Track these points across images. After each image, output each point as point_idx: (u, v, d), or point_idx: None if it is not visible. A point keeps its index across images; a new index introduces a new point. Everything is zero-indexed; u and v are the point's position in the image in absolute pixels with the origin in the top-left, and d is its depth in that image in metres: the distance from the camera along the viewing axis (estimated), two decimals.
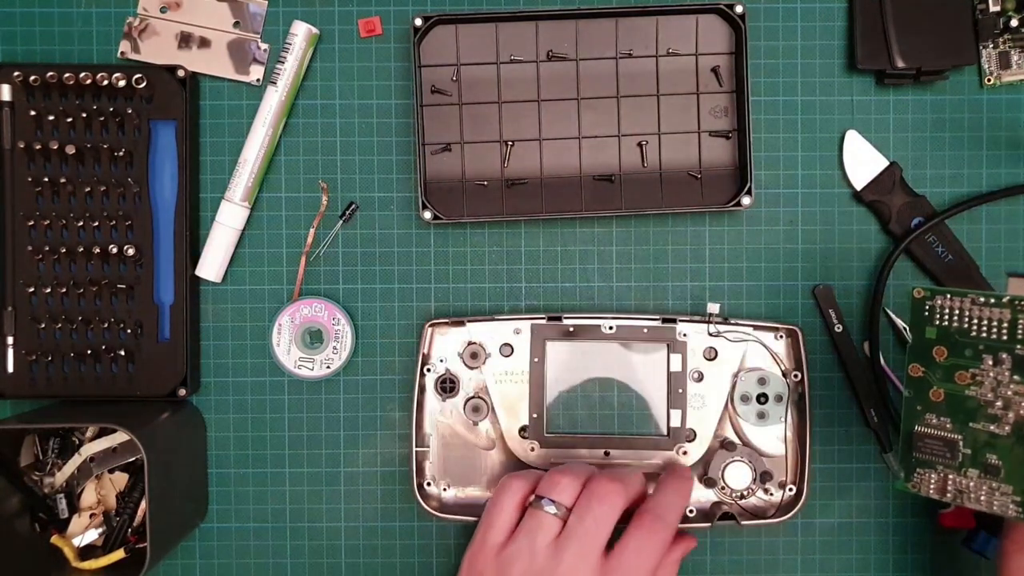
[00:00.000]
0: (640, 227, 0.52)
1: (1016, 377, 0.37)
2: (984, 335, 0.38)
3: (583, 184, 0.50)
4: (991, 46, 0.50)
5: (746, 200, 0.49)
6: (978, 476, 0.38)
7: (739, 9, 0.49)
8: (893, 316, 0.51)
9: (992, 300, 0.37)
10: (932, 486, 0.40)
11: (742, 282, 0.51)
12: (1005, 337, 0.37)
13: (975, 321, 0.38)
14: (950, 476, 0.39)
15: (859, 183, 0.51)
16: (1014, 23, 0.50)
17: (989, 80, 0.51)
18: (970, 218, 0.51)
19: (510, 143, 0.50)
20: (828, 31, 0.51)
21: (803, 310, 0.51)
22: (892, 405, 0.50)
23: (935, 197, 0.51)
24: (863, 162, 0.51)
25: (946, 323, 0.39)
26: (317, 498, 0.52)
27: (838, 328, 0.51)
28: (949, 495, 0.39)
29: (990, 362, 0.38)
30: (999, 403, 0.37)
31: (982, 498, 0.38)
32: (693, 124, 0.50)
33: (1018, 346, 0.37)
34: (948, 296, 0.39)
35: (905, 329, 0.50)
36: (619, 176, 0.50)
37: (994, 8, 0.50)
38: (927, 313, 0.40)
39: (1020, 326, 0.37)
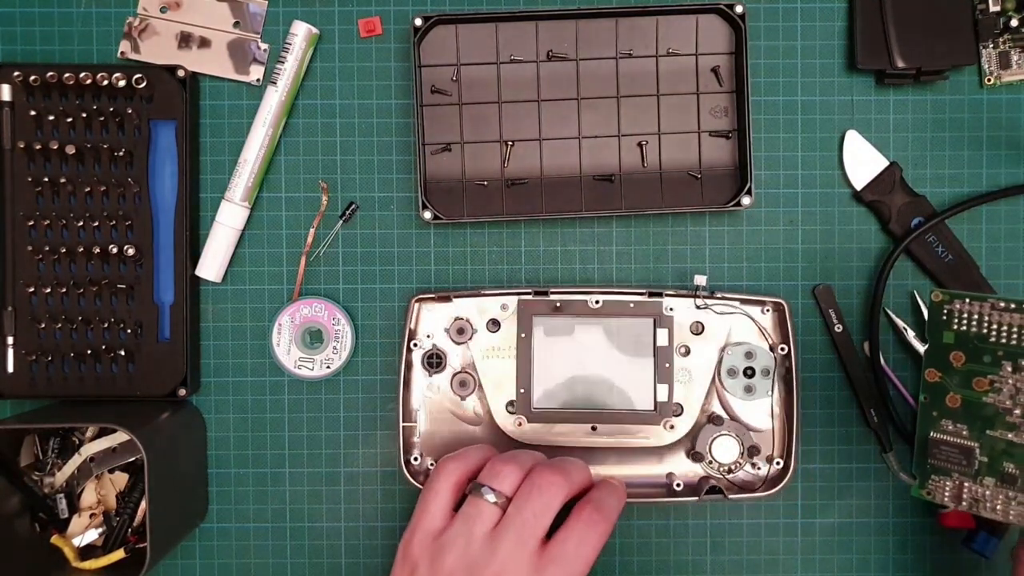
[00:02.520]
0: (640, 227, 0.52)
1: None
2: (1004, 341, 0.37)
3: (583, 184, 0.50)
4: (991, 46, 0.51)
5: (746, 200, 0.49)
6: (995, 485, 0.38)
7: (739, 9, 0.49)
8: (893, 316, 0.51)
9: (1013, 306, 0.36)
10: (947, 493, 0.39)
11: (742, 282, 0.51)
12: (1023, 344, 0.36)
13: (995, 327, 0.37)
14: (966, 484, 0.39)
15: (859, 183, 0.51)
16: (1014, 23, 0.50)
17: (989, 80, 0.51)
18: (970, 218, 0.51)
19: (510, 143, 0.50)
20: (828, 31, 0.51)
21: (803, 310, 0.51)
22: (892, 405, 0.50)
23: (935, 197, 0.51)
24: (863, 162, 0.51)
25: (964, 328, 0.38)
26: (317, 498, 0.52)
27: (838, 328, 0.51)
28: (964, 503, 0.39)
29: (1009, 368, 0.37)
30: (1018, 411, 0.37)
31: (998, 507, 0.38)
32: (693, 124, 0.50)
33: None
34: (967, 300, 0.38)
35: (905, 329, 0.50)
36: (619, 176, 0.50)
37: (994, 8, 0.50)
38: (945, 317, 0.39)
39: None
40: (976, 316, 0.38)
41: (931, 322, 0.39)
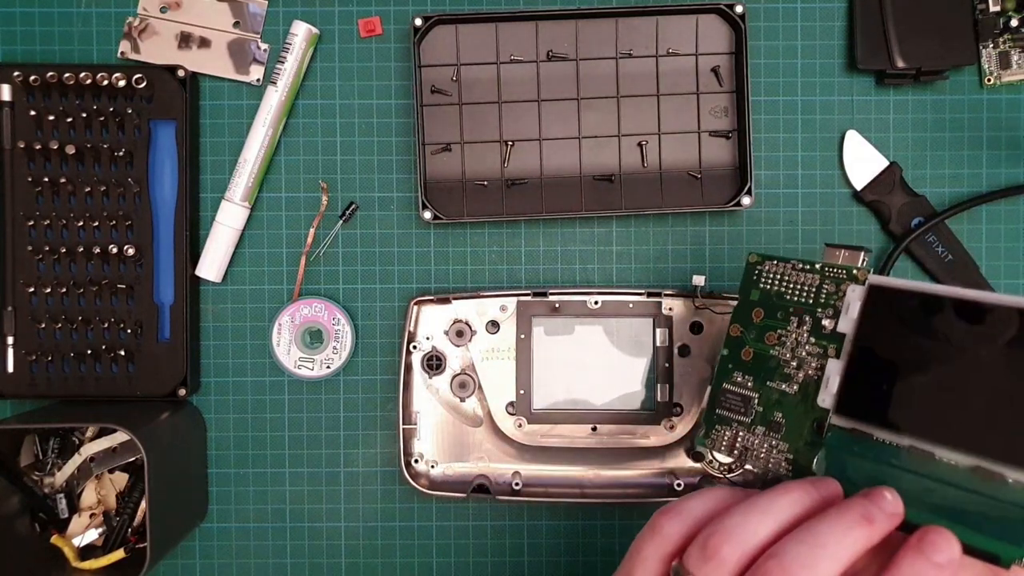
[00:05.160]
0: (640, 227, 0.52)
1: (812, 339, 0.38)
2: (795, 298, 0.39)
3: (583, 184, 0.50)
4: (991, 46, 0.51)
5: (746, 200, 0.49)
6: (763, 434, 0.39)
7: (739, 9, 0.49)
8: None
9: (807, 267, 0.39)
10: (724, 443, 0.40)
11: None
12: (811, 301, 0.38)
13: (791, 285, 0.39)
14: (740, 434, 0.40)
15: (859, 183, 0.51)
16: (1014, 23, 0.50)
17: (989, 80, 0.51)
18: (970, 218, 0.51)
19: (510, 143, 0.50)
20: (828, 31, 0.51)
21: None
22: None
23: (935, 197, 0.51)
24: (863, 162, 0.51)
25: (768, 286, 0.40)
26: (317, 498, 0.52)
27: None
28: (736, 452, 0.40)
29: (795, 323, 0.39)
30: (794, 363, 0.38)
31: (762, 455, 0.39)
32: (693, 124, 0.50)
33: (819, 309, 0.38)
34: (776, 262, 0.40)
35: None
36: (619, 176, 0.50)
37: (994, 8, 0.50)
38: (755, 277, 0.41)
39: (824, 291, 0.38)
40: (779, 275, 0.40)
41: (744, 281, 0.41)
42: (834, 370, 0.36)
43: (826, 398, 0.36)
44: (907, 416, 0.33)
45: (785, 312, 0.39)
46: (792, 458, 0.38)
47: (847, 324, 0.36)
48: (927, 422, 0.32)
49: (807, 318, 0.38)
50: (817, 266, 0.38)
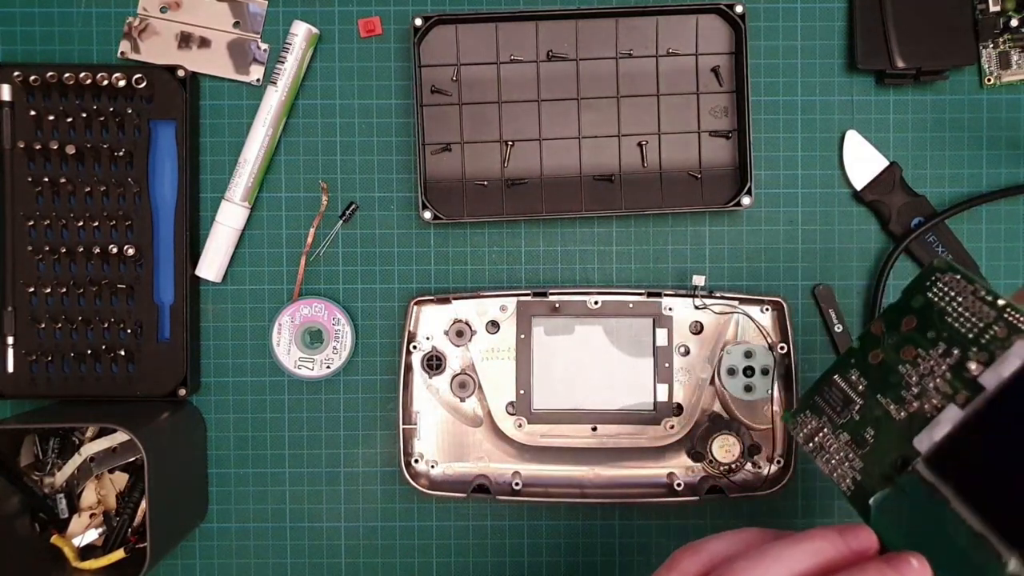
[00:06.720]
0: (640, 227, 0.52)
1: (949, 375, 0.34)
2: (957, 325, 0.34)
3: (583, 184, 0.50)
4: (991, 46, 0.51)
5: (746, 200, 0.49)
6: (846, 442, 0.36)
7: (739, 9, 0.49)
8: None
9: (988, 297, 0.34)
10: (805, 431, 0.38)
11: (742, 282, 0.51)
12: (971, 336, 0.34)
13: (960, 309, 0.35)
14: (825, 429, 0.37)
15: (859, 183, 0.51)
16: (1014, 23, 0.50)
17: (989, 80, 0.51)
18: (970, 218, 0.51)
19: (510, 143, 0.50)
20: (828, 31, 0.51)
21: (803, 310, 0.51)
22: None
23: (935, 197, 0.51)
24: (863, 162, 0.51)
25: (936, 299, 0.36)
26: (317, 498, 0.52)
27: (838, 328, 0.51)
28: (811, 445, 0.38)
29: (940, 351, 0.34)
30: (916, 389, 0.35)
31: (834, 460, 0.36)
32: (693, 124, 0.50)
33: (974, 348, 0.33)
34: (959, 277, 0.35)
35: None
36: (619, 176, 0.50)
37: (994, 8, 0.50)
38: (928, 283, 0.36)
39: (991, 332, 0.33)
40: (953, 292, 0.35)
41: (914, 283, 0.37)
42: (950, 418, 0.32)
43: (924, 441, 0.33)
44: (998, 505, 0.29)
45: (937, 333, 0.35)
46: (859, 479, 0.35)
47: (993, 378, 0.32)
48: (1016, 521, 0.28)
49: (955, 351, 0.34)
50: (1000, 302, 0.33)
